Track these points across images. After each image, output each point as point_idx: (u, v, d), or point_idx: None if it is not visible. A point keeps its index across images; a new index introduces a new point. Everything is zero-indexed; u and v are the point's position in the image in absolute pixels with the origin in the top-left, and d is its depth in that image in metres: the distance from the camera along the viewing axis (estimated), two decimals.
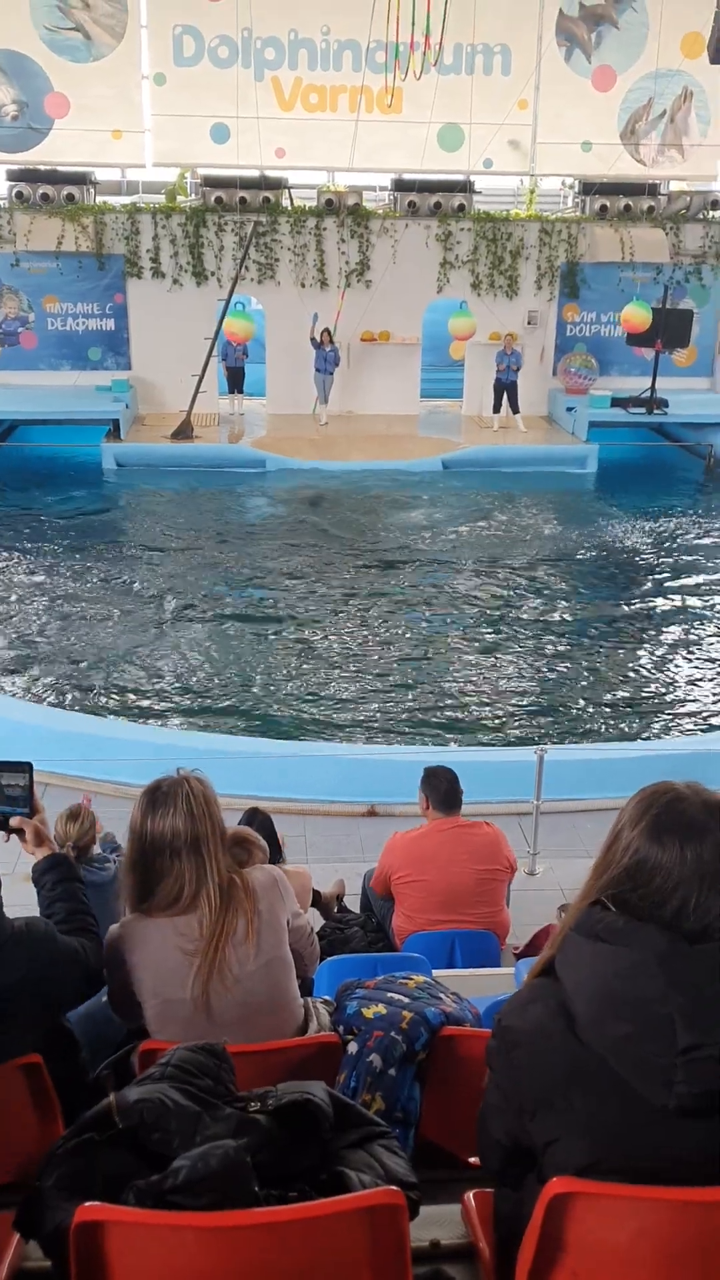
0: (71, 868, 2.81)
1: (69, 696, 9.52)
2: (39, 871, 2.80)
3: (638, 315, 17.55)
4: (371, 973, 3.00)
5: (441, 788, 4.95)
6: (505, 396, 18.42)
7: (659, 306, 18.02)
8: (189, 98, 19.00)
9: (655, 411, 18.07)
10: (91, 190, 19.01)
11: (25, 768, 2.77)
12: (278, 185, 19.08)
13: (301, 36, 18.99)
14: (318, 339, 18.11)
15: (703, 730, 9.22)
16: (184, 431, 17.31)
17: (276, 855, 5.01)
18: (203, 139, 19.25)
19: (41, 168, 18.93)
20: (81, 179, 18.85)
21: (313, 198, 19.38)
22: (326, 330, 18.13)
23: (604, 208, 19.38)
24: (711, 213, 19.75)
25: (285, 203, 19.12)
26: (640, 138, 19.93)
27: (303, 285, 18.97)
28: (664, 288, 18.72)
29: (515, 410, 18.44)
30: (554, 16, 19.22)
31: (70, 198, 18.51)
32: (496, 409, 18.53)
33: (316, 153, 19.48)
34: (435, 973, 3.45)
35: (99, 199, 19.18)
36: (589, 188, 19.55)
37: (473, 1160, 2.26)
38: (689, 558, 13.61)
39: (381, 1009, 2.54)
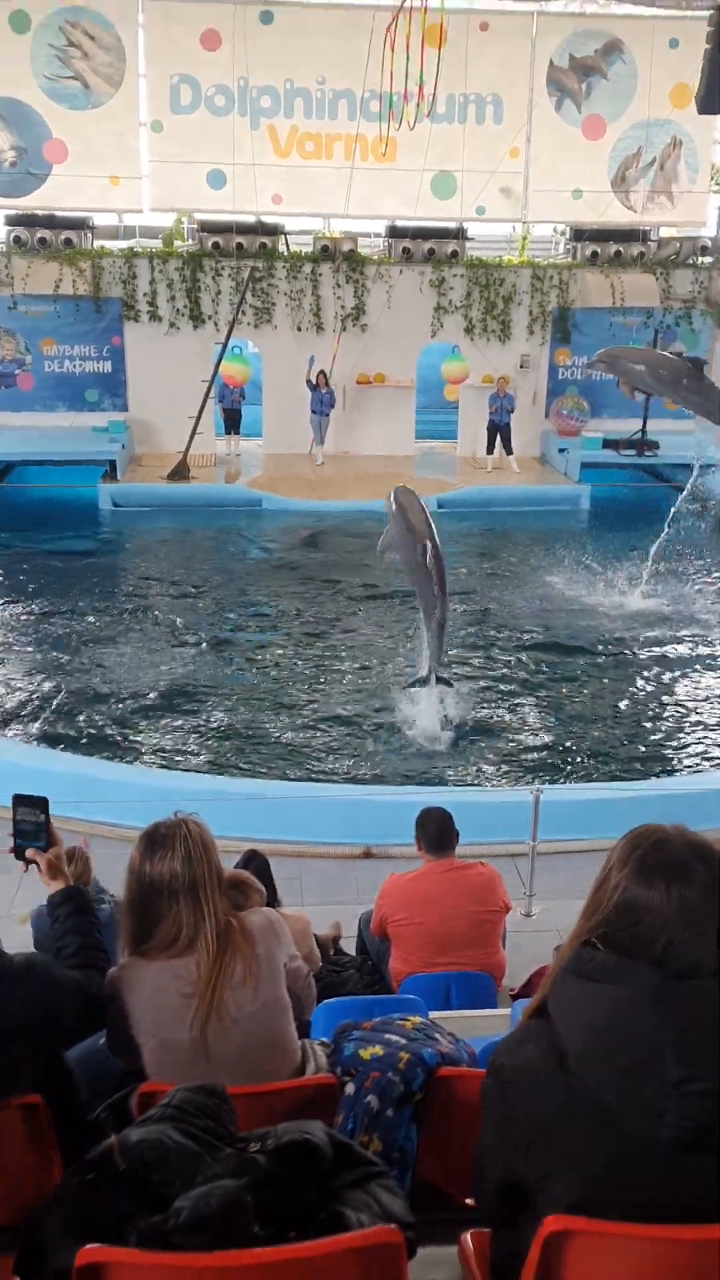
0: (85, 901, 2.85)
1: (64, 737, 9.52)
2: (54, 904, 2.84)
3: None
4: (368, 1015, 3.02)
5: (431, 829, 4.98)
6: (499, 438, 18.60)
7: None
8: (186, 145, 19.29)
9: (646, 453, 18.25)
10: (89, 235, 19.25)
11: (41, 802, 2.82)
12: (274, 231, 19.33)
13: (297, 86, 19.33)
14: (314, 381, 18.29)
15: (697, 770, 9.25)
16: (180, 472, 17.43)
17: (272, 899, 5.02)
18: (199, 185, 19.53)
19: (40, 213, 19.16)
20: (79, 224, 19.09)
21: (309, 243, 19.62)
22: (322, 373, 18.32)
23: (595, 254, 19.65)
24: (701, 258, 20.04)
25: (281, 248, 19.36)
26: (630, 185, 20.26)
27: (299, 329, 19.18)
28: (655, 332, 18.96)
29: (509, 451, 18.60)
30: (545, 67, 19.60)
31: (68, 242, 18.74)
32: (490, 450, 18.70)
33: (312, 199, 19.78)
34: (432, 1014, 3.47)
35: (96, 243, 19.40)
36: (580, 234, 19.84)
37: (469, 1202, 2.27)
38: (681, 597, 13.67)
39: (379, 1050, 2.56)
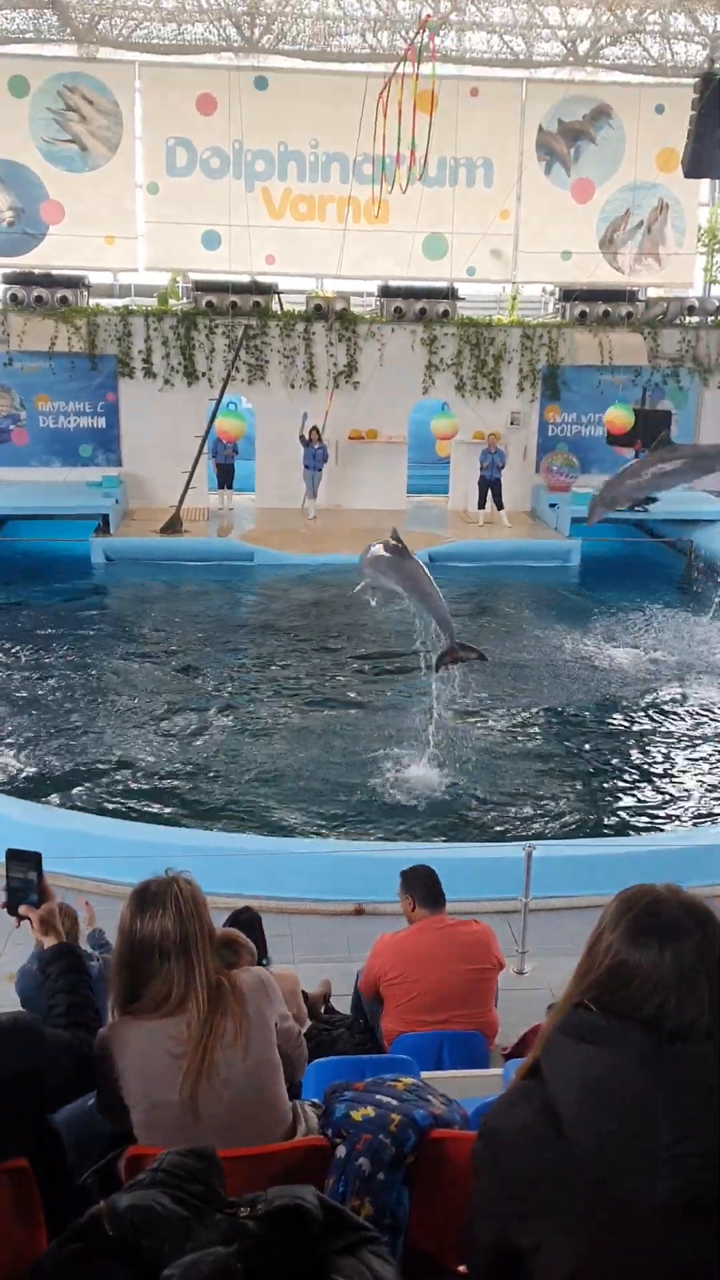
0: (78, 958, 2.82)
1: (52, 791, 9.47)
2: (45, 961, 2.81)
3: (620, 418, 17.97)
4: (359, 1075, 2.99)
5: (425, 886, 4.95)
6: (490, 493, 18.75)
7: (638, 408, 18.45)
8: (181, 206, 19.64)
9: (636, 508, 18.37)
10: (85, 293, 19.50)
11: (34, 858, 2.81)
12: (268, 290, 19.60)
13: (291, 149, 19.71)
14: (307, 437, 18.45)
15: (692, 825, 9.22)
16: (173, 526, 17.51)
17: (262, 957, 4.97)
18: (194, 245, 19.84)
19: (36, 271, 19.43)
20: (75, 282, 19.35)
21: (302, 303, 19.89)
22: (315, 428, 18.48)
23: (584, 313, 19.93)
24: (688, 318, 20.35)
25: (275, 307, 19.62)
26: (618, 247, 20.63)
27: (292, 386, 19.39)
28: (643, 390, 19.19)
29: (500, 506, 18.74)
30: (534, 132, 20.03)
31: (64, 300, 18.97)
32: (481, 505, 18.84)
33: (305, 260, 20.11)
34: (424, 1074, 3.43)
35: (92, 301, 19.67)
36: (569, 294, 20.14)
37: (461, 1269, 2.23)
38: (672, 652, 13.72)
39: (370, 1111, 2.53)
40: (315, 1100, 2.92)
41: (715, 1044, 1.75)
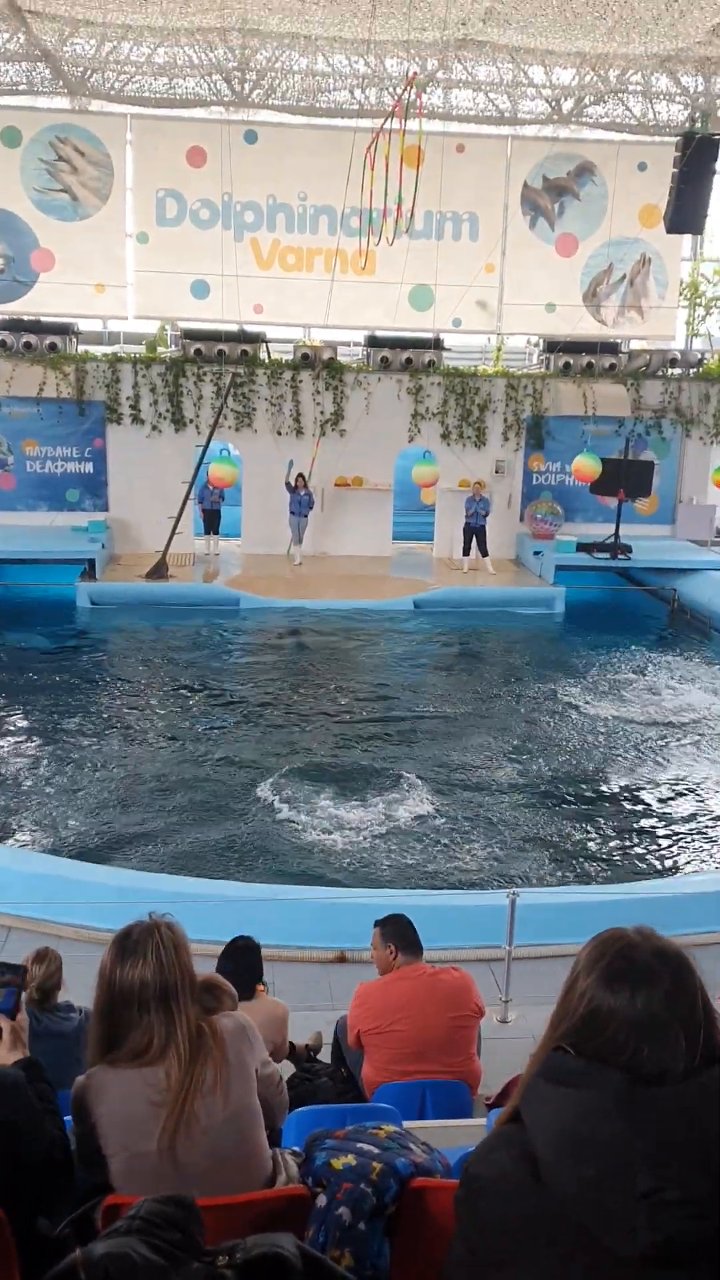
0: (41, 1071, 2.78)
1: (32, 836, 9.41)
2: None
3: (587, 466, 18.17)
4: (341, 1123, 2.96)
5: (402, 932, 4.92)
6: (475, 540, 18.86)
7: (620, 458, 18.65)
8: (171, 256, 19.88)
9: (620, 557, 18.54)
10: (74, 340, 19.66)
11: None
12: (256, 339, 19.80)
13: (280, 201, 20.01)
14: (292, 483, 18.56)
15: (675, 873, 9.21)
16: (159, 571, 17.54)
17: (259, 981, 4.94)
18: (183, 294, 20.07)
19: (26, 318, 19.59)
20: (64, 329, 19.51)
21: (289, 351, 20.09)
22: (301, 475, 18.60)
23: (567, 365, 20.18)
24: (670, 370, 20.62)
25: (263, 356, 19.80)
26: (601, 300, 20.95)
27: (279, 433, 19.55)
28: (626, 440, 19.42)
29: (484, 553, 18.85)
30: (519, 188, 20.40)
31: (53, 347, 19.11)
32: (466, 552, 18.94)
33: (293, 309, 20.36)
34: (406, 1123, 3.40)
35: (81, 348, 19.81)
36: (553, 346, 20.41)
37: None
38: (655, 700, 13.77)
39: (351, 1160, 2.50)
40: (296, 1148, 2.89)
41: (692, 1087, 1.74)
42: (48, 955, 4.93)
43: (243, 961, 4.94)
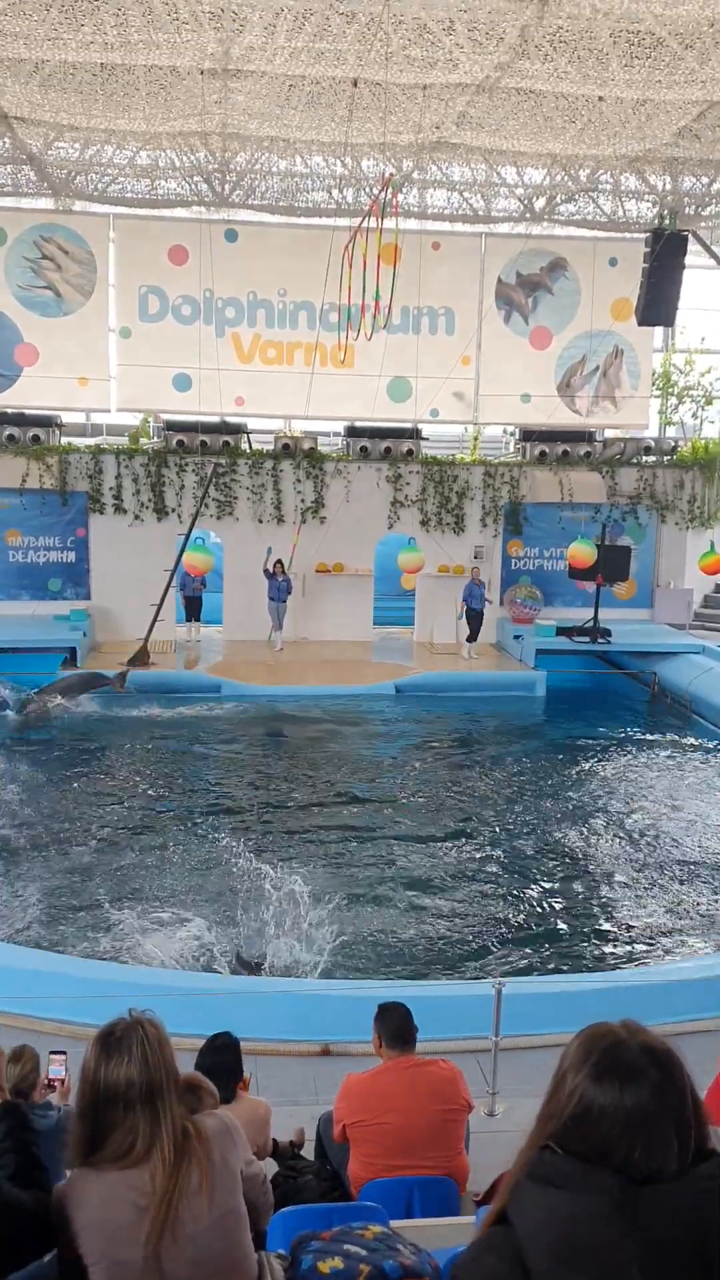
0: (23, 1117, 2.74)
1: (9, 929, 9.27)
2: None
3: (583, 552, 18.38)
4: (327, 1223, 2.90)
5: (394, 1024, 4.85)
6: (470, 624, 18.88)
7: (598, 543, 18.89)
8: (153, 350, 20.24)
9: (599, 640, 18.67)
10: (57, 431, 19.88)
11: None
12: (237, 430, 20.08)
13: (260, 298, 20.47)
14: (271, 570, 18.69)
15: (658, 961, 9.12)
16: (140, 658, 17.55)
17: (237, 1081, 4.84)
18: (165, 387, 20.39)
19: (10, 410, 19.83)
20: (48, 421, 19.74)
21: (270, 441, 20.38)
22: (279, 561, 18.74)
23: (543, 453, 20.52)
24: (644, 458, 20.99)
25: (244, 446, 20.07)
26: (575, 390, 21.40)
27: (260, 521, 19.74)
28: (602, 526, 19.69)
29: (472, 639, 18.90)
30: (493, 283, 20.96)
31: (36, 438, 19.33)
32: (472, 638, 18.92)
33: (274, 402, 20.71)
34: (393, 1223, 3.33)
35: (64, 440, 20.04)
36: (529, 435, 20.77)
37: None
38: (638, 785, 13.76)
39: (338, 1263, 2.45)
40: (282, 1251, 2.82)
41: (687, 1187, 1.72)
42: (24, 1054, 4.83)
43: (222, 1059, 4.84)
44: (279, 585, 18.83)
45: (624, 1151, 1.73)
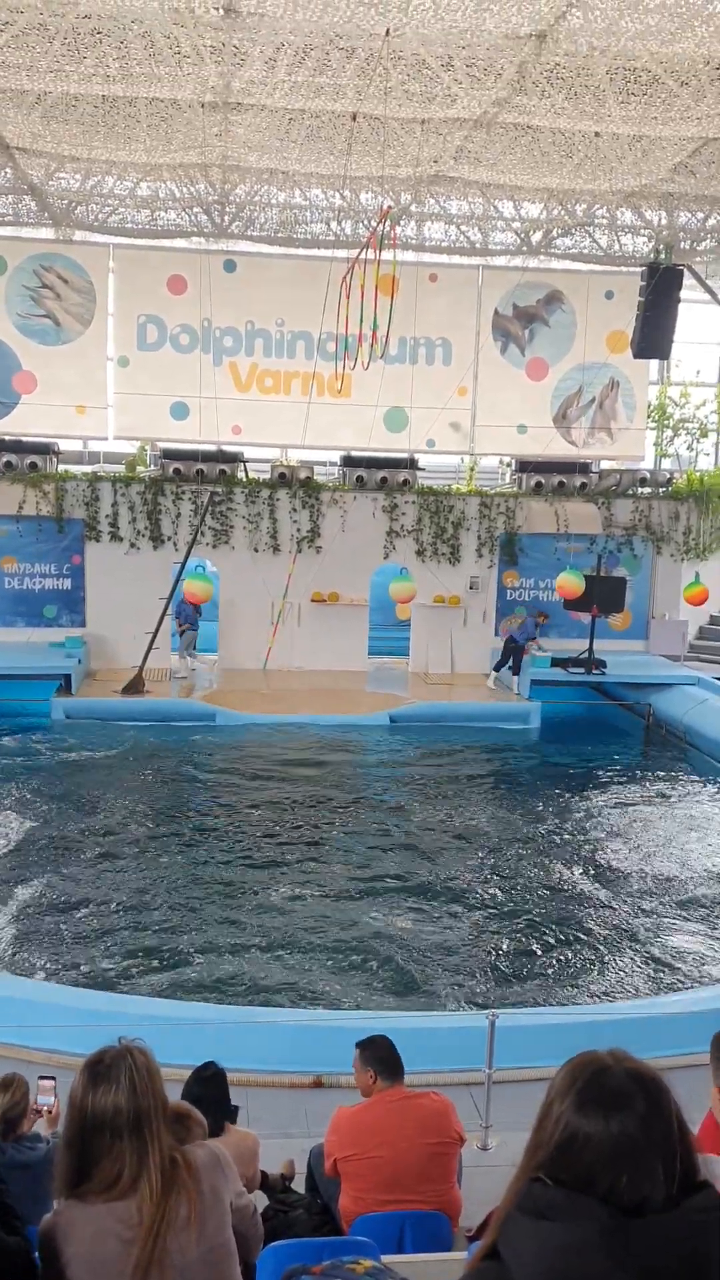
0: None
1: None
2: None
3: (571, 583, 18.40)
4: (317, 1258, 2.85)
5: (383, 1054, 4.80)
6: (511, 658, 18.82)
7: (594, 574, 18.91)
8: (151, 379, 20.33)
9: (594, 671, 18.66)
10: (54, 459, 19.93)
11: None
12: (234, 459, 20.14)
13: (258, 327, 20.59)
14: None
15: (653, 994, 9.07)
16: (135, 686, 17.52)
17: (225, 1117, 4.79)
18: (162, 416, 20.47)
19: (7, 438, 19.89)
20: (45, 449, 19.80)
21: (266, 471, 20.43)
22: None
23: (539, 484, 20.58)
24: (640, 489, 21.06)
25: (240, 475, 20.12)
26: (571, 422, 21.51)
27: (256, 550, 19.76)
28: (598, 557, 19.73)
29: (513, 670, 18.79)
30: (490, 315, 21.09)
31: (33, 466, 19.37)
32: (516, 670, 18.84)
33: (270, 431, 20.78)
34: (385, 1258, 3.28)
35: (61, 467, 20.09)
36: (525, 466, 20.84)
37: None
38: (632, 815, 13.72)
39: None
40: None
41: (676, 1218, 1.70)
42: (14, 1082, 4.77)
43: (210, 1090, 4.78)
44: (183, 610, 18.71)
45: (609, 1180, 1.71)
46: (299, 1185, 5.31)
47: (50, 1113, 4.62)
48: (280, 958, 9.35)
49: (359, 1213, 4.46)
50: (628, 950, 9.91)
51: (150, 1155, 2.50)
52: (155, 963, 9.23)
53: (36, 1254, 2.63)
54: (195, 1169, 2.56)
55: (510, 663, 18.80)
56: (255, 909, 10.38)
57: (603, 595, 18.96)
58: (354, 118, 13.87)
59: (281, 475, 19.97)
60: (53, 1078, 4.76)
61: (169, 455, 19.97)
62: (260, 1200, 4.78)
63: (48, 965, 9.08)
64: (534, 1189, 1.76)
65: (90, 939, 9.61)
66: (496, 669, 19.07)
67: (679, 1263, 1.65)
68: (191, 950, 9.46)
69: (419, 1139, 4.56)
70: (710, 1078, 3.67)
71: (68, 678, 17.63)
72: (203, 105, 13.79)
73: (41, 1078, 4.79)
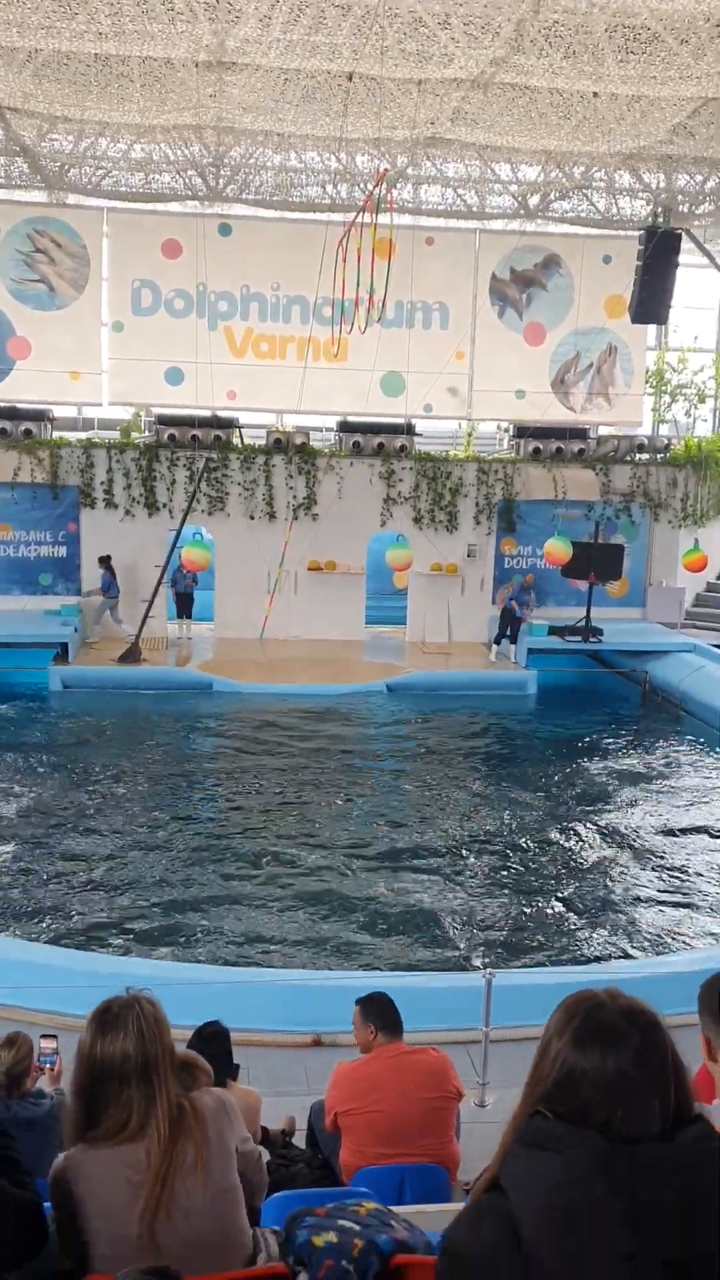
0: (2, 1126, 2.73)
1: (2, 922, 9.25)
2: None
3: (558, 549, 18.39)
4: (320, 1205, 2.89)
5: (383, 1011, 4.85)
6: (509, 627, 18.80)
7: (591, 541, 18.89)
8: (146, 344, 20.21)
9: (591, 639, 18.68)
10: (49, 425, 19.83)
11: None
12: (229, 424, 20.04)
13: (253, 291, 20.45)
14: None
15: (649, 954, 9.13)
16: (131, 655, 17.52)
17: (228, 1072, 4.84)
18: (157, 381, 20.36)
19: (1, 404, 19.78)
20: (39, 415, 19.69)
21: (262, 436, 20.34)
22: (106, 557, 18.57)
23: (537, 450, 20.51)
24: (638, 455, 21.00)
25: (236, 441, 20.03)
26: (569, 387, 21.43)
27: (251, 517, 19.70)
28: (595, 524, 19.68)
29: (511, 641, 18.75)
30: (487, 279, 20.96)
31: (28, 432, 19.27)
32: (514, 639, 18.72)
33: (266, 396, 20.68)
34: None
35: (56, 434, 19.99)
36: (523, 431, 20.77)
37: None
38: (628, 781, 13.77)
39: (332, 1237, 2.44)
40: (276, 1227, 2.82)
41: (671, 1149, 1.72)
42: (18, 1040, 4.80)
43: (213, 1048, 4.83)
44: (104, 578, 18.60)
45: (606, 1115, 1.74)
46: (299, 1141, 5.36)
47: (53, 1070, 4.66)
48: (279, 920, 9.41)
49: (359, 1166, 4.51)
50: (624, 911, 9.98)
51: (158, 1101, 2.53)
52: (155, 925, 9.28)
53: (46, 1204, 2.66)
54: (202, 1115, 2.60)
55: (509, 632, 18.81)
56: (253, 874, 10.42)
57: (600, 562, 18.94)
58: (350, 78, 13.72)
59: (277, 441, 19.88)
60: (54, 1035, 4.80)
61: (164, 421, 19.87)
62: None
63: (50, 928, 9.13)
64: (534, 1122, 1.79)
65: (91, 904, 9.66)
66: (496, 641, 19.06)
67: (675, 1193, 1.68)
68: (191, 913, 9.51)
69: (418, 1094, 4.61)
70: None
71: (64, 646, 17.62)
72: (197, 64, 13.63)
73: (43, 1036, 4.82)
